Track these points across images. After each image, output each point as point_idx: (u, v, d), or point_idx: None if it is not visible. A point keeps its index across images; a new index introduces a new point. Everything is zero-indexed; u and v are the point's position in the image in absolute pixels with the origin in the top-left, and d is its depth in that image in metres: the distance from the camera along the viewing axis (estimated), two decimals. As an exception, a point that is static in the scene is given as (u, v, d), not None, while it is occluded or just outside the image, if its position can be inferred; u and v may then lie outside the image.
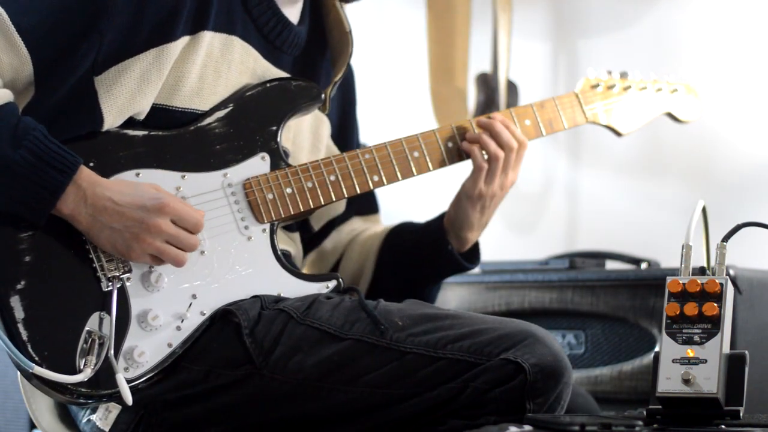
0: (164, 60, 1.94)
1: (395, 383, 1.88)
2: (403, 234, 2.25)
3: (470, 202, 2.16)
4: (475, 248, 2.23)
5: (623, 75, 2.35)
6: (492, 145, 2.14)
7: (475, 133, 2.16)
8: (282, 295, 2.00)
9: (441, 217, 2.22)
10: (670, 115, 2.43)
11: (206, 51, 1.99)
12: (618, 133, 2.36)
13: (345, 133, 2.26)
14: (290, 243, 2.15)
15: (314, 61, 2.14)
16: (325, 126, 2.20)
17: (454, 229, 2.19)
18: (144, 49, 1.92)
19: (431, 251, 2.20)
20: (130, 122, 1.95)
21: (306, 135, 2.16)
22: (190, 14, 1.96)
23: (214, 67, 2.00)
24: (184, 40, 1.96)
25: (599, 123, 2.32)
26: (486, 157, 2.15)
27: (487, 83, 3.40)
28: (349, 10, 2.21)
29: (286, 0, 2.08)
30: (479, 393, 1.84)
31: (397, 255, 2.23)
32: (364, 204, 2.31)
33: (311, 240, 2.25)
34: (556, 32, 3.51)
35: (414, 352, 1.88)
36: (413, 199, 3.28)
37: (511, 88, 3.39)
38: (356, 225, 2.30)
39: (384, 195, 2.38)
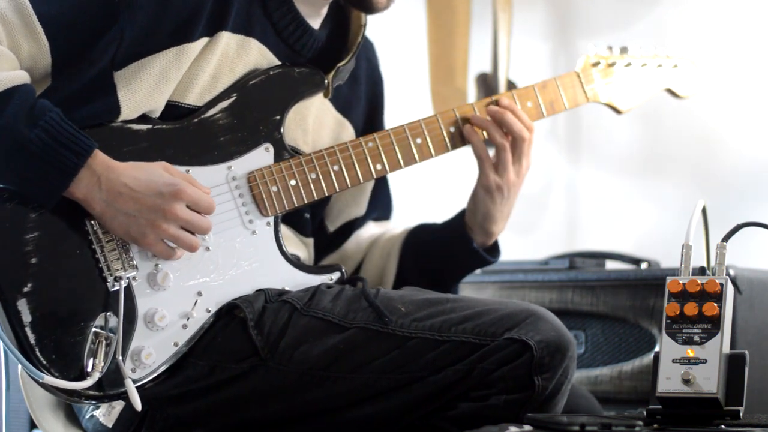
0: (183, 59, 1.94)
1: (401, 368, 1.89)
2: (423, 234, 2.24)
3: (488, 194, 2.14)
4: (495, 241, 2.21)
5: (623, 50, 2.32)
6: (497, 137, 2.12)
7: (479, 117, 2.14)
8: (286, 288, 2.00)
9: (461, 215, 2.20)
10: (670, 91, 2.40)
11: (222, 51, 1.99)
12: (618, 111, 2.33)
13: None
14: (301, 247, 2.15)
15: (332, 63, 2.11)
16: (348, 132, 2.19)
17: (477, 224, 2.17)
18: (164, 48, 1.93)
19: (454, 249, 2.18)
20: (139, 117, 1.95)
21: (326, 141, 2.15)
22: (210, 15, 1.96)
23: (229, 67, 2.01)
24: (203, 41, 1.97)
25: (599, 101, 2.30)
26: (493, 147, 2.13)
27: (487, 83, 3.41)
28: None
29: (308, 6, 2.07)
30: (486, 373, 1.85)
31: (419, 255, 2.22)
32: (382, 210, 2.30)
33: (330, 242, 2.24)
34: (556, 32, 3.51)
35: (418, 337, 1.89)
36: (426, 205, 3.29)
37: (511, 88, 3.39)
38: (373, 230, 2.29)
39: (397, 201, 2.38)
